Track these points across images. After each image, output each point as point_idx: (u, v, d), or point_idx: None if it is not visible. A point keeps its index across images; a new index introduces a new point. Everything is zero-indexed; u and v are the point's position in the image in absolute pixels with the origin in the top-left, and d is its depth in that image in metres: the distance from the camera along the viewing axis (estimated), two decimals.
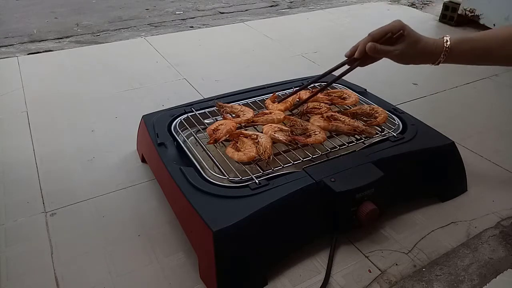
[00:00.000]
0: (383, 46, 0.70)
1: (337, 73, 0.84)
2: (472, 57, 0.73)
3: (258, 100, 1.02)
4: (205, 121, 0.95)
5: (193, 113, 0.97)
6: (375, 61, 0.77)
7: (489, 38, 0.72)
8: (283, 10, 2.48)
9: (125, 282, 0.73)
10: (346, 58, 0.78)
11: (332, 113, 0.92)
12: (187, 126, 0.93)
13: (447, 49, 0.70)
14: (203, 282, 0.72)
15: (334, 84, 1.10)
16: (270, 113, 0.92)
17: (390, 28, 0.70)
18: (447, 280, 0.73)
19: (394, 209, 0.86)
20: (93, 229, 0.84)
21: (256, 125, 0.91)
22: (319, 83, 1.03)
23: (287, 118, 0.91)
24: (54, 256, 0.78)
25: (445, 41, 0.70)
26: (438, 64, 0.73)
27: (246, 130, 0.89)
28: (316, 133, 0.85)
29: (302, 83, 1.10)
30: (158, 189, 0.93)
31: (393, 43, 0.70)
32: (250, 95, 1.04)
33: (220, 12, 2.45)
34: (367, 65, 0.77)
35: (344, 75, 0.81)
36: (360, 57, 0.73)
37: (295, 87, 1.03)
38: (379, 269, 0.75)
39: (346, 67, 0.80)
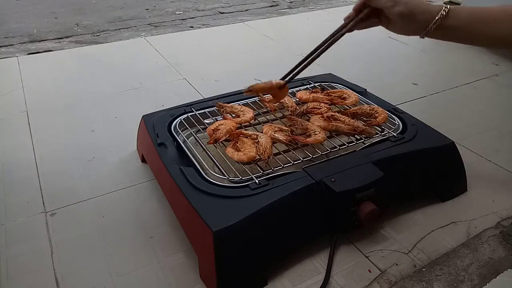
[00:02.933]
0: None
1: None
2: (470, 28, 0.64)
3: (258, 100, 1.01)
4: (205, 121, 0.95)
5: (193, 113, 0.97)
6: (369, 26, 0.72)
7: (494, 10, 0.64)
8: (283, 10, 2.48)
9: (125, 282, 0.73)
10: (344, 22, 0.74)
11: (332, 113, 0.92)
12: (187, 126, 0.93)
13: (445, 8, 0.63)
14: (203, 282, 0.72)
15: (334, 84, 1.10)
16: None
17: None
18: (447, 280, 0.73)
19: (394, 209, 0.86)
20: (93, 229, 0.84)
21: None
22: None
23: (288, 118, 0.91)
24: (54, 256, 0.78)
25: (444, 3, 0.66)
26: (430, 29, 0.65)
27: (246, 130, 0.89)
28: (316, 133, 0.85)
29: (302, 83, 1.10)
30: (158, 189, 0.93)
31: None
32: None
33: (220, 12, 2.45)
34: (361, 28, 0.73)
35: (340, 37, 0.76)
36: (355, 13, 0.69)
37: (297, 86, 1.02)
38: (379, 269, 0.75)
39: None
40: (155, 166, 0.92)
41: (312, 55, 0.80)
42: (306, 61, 0.81)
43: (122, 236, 0.82)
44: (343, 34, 0.75)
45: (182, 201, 0.73)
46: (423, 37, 0.67)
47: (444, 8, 0.64)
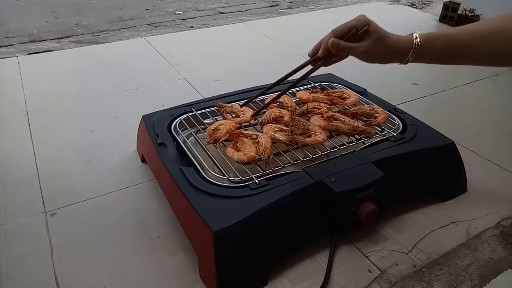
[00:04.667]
0: (346, 43, 0.64)
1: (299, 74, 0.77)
2: (445, 54, 0.65)
3: (258, 100, 1.01)
4: (205, 121, 0.95)
5: (193, 113, 0.97)
6: (340, 60, 0.71)
7: (466, 33, 0.64)
8: (283, 10, 2.48)
9: (125, 282, 0.73)
10: (309, 58, 0.72)
11: (332, 113, 0.92)
12: (187, 126, 0.93)
13: (416, 46, 0.63)
14: (203, 282, 0.72)
15: (334, 84, 1.10)
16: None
17: (354, 23, 0.64)
18: (447, 280, 0.73)
19: (394, 209, 0.86)
20: (93, 229, 0.84)
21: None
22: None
23: (291, 118, 0.91)
24: (54, 256, 0.78)
25: (414, 37, 0.64)
26: (406, 63, 0.66)
27: (246, 130, 0.89)
28: (316, 133, 0.85)
29: (302, 83, 1.10)
30: (158, 189, 0.93)
31: (358, 39, 0.64)
32: (250, 95, 1.04)
33: (220, 12, 2.45)
34: (331, 64, 0.72)
35: (307, 76, 0.74)
36: (323, 55, 0.67)
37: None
38: (379, 269, 0.75)
39: (309, 67, 0.73)
40: (155, 166, 0.92)
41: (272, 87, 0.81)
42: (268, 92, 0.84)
43: (122, 236, 0.82)
44: (310, 73, 0.74)
45: (182, 201, 0.73)
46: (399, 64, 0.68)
47: (414, 45, 0.63)
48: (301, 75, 0.73)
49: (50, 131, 1.17)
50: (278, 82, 0.80)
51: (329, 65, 0.72)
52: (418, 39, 0.64)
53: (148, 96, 1.36)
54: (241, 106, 0.93)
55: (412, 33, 0.65)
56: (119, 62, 1.62)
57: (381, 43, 0.64)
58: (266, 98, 0.98)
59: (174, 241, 0.81)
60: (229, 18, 2.32)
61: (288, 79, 0.76)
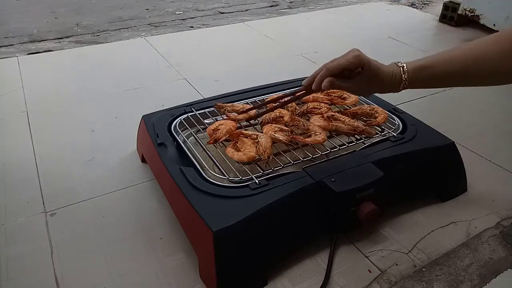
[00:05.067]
0: (340, 83, 0.65)
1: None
2: (435, 83, 0.67)
3: (258, 100, 1.01)
4: (205, 121, 0.95)
5: (193, 113, 0.97)
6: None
7: (452, 61, 0.64)
8: (283, 10, 2.48)
9: (125, 282, 0.73)
10: (303, 86, 0.71)
11: (332, 113, 0.92)
12: (187, 126, 0.93)
13: (405, 80, 0.65)
14: (203, 282, 0.72)
15: None
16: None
17: (348, 64, 0.64)
18: (447, 280, 0.73)
19: (394, 209, 0.86)
20: (93, 229, 0.84)
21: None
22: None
23: (291, 118, 0.91)
24: (54, 256, 0.78)
25: (402, 72, 0.65)
26: (399, 91, 0.68)
27: (246, 130, 0.89)
28: (316, 133, 0.85)
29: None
30: (158, 189, 0.93)
31: (350, 76, 0.65)
32: (250, 95, 1.04)
33: (220, 12, 2.45)
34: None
35: (301, 98, 0.79)
36: (317, 90, 0.68)
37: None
38: (379, 269, 0.75)
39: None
40: (155, 166, 0.92)
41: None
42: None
43: (122, 236, 0.82)
44: (302, 97, 0.77)
45: (182, 201, 0.73)
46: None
47: (402, 83, 0.65)
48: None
49: (50, 131, 1.17)
50: (271, 101, 0.84)
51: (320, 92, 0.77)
52: (406, 74, 0.65)
53: (148, 96, 1.36)
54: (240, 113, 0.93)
55: (399, 64, 0.66)
56: (119, 62, 1.62)
57: (372, 81, 0.66)
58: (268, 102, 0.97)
59: (174, 241, 0.81)
60: (229, 18, 2.32)
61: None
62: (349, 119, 0.90)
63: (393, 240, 0.81)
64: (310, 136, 0.85)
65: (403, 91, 0.67)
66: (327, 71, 0.65)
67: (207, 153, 0.85)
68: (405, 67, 0.65)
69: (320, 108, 0.95)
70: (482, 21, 1.94)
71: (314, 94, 1.02)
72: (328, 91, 1.04)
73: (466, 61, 0.63)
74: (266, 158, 0.77)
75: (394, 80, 0.65)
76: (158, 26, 2.20)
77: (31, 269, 0.75)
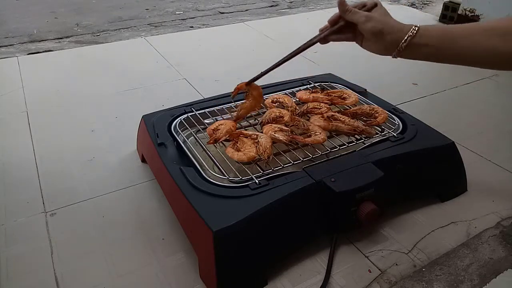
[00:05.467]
0: (353, 8, 0.67)
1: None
2: (441, 47, 0.64)
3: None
4: (205, 121, 0.95)
5: (193, 113, 0.97)
6: (342, 39, 0.72)
7: (464, 29, 0.64)
8: (283, 10, 2.48)
9: (125, 282, 0.73)
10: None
11: (332, 113, 0.92)
12: (187, 126, 0.93)
13: (415, 27, 0.64)
14: (203, 282, 0.72)
15: (334, 84, 1.10)
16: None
17: (365, 1, 0.68)
18: (447, 280, 0.73)
19: (394, 209, 0.86)
20: (93, 229, 0.84)
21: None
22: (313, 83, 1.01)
23: (291, 118, 0.91)
24: (54, 256, 0.78)
25: (414, 25, 0.65)
26: (400, 48, 0.65)
27: (246, 130, 0.89)
28: (316, 133, 0.85)
29: (302, 83, 1.10)
30: (158, 189, 0.93)
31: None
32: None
33: (220, 12, 2.45)
34: (332, 40, 0.73)
35: (312, 44, 0.77)
36: (331, 23, 0.71)
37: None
38: (379, 269, 0.75)
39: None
40: (155, 166, 0.92)
41: (281, 60, 0.82)
42: (273, 66, 0.85)
43: (122, 236, 0.82)
44: (314, 43, 0.76)
45: (182, 201, 0.73)
46: (395, 57, 0.68)
47: (414, 27, 0.65)
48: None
49: (50, 131, 1.17)
50: (292, 56, 0.83)
51: (329, 39, 0.73)
52: (418, 25, 0.65)
53: (148, 96, 1.36)
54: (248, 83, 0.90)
55: (413, 25, 0.66)
56: (119, 62, 1.62)
57: (384, 17, 0.66)
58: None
59: (174, 241, 0.81)
60: (229, 18, 2.32)
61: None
62: (349, 119, 0.90)
63: (393, 240, 0.81)
64: (310, 136, 0.85)
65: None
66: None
67: (207, 153, 0.85)
68: (417, 27, 0.65)
69: (320, 108, 0.95)
70: (482, 21, 1.94)
71: (314, 94, 1.02)
72: (328, 91, 1.04)
73: (472, 28, 0.63)
74: (266, 158, 0.77)
75: (404, 27, 0.65)
76: (158, 26, 2.20)
77: (31, 269, 0.75)
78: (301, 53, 0.78)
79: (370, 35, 0.67)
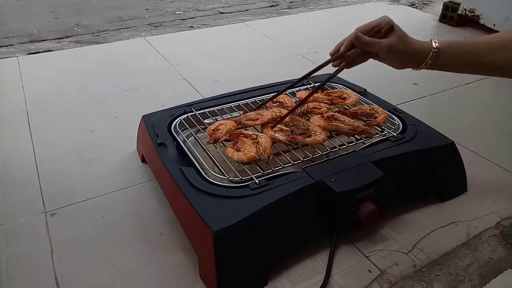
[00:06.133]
0: (371, 38, 0.66)
1: (322, 73, 0.79)
2: (461, 62, 0.68)
3: (258, 100, 1.01)
4: (205, 121, 0.95)
5: (193, 113, 0.97)
6: (362, 62, 0.72)
7: (482, 43, 0.67)
8: (283, 10, 2.48)
9: (125, 282, 0.73)
10: (330, 57, 0.73)
11: (332, 113, 0.92)
12: (187, 126, 0.93)
13: (435, 49, 0.66)
14: (203, 282, 0.72)
15: (334, 84, 1.10)
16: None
17: (378, 22, 0.67)
18: (447, 280, 0.73)
19: (394, 209, 0.86)
20: (93, 229, 0.84)
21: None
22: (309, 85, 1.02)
23: (292, 118, 0.91)
24: (54, 256, 0.78)
25: (433, 43, 0.67)
26: (423, 68, 0.68)
27: (246, 130, 0.89)
28: (316, 133, 0.85)
29: (302, 83, 1.10)
30: (158, 189, 0.93)
31: (381, 37, 0.67)
32: (250, 95, 1.04)
33: (220, 12, 2.45)
34: (353, 65, 0.73)
35: (333, 77, 0.75)
36: (345, 51, 0.69)
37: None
38: (379, 269, 0.75)
39: (332, 68, 0.74)
40: (155, 166, 0.92)
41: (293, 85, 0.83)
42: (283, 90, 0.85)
43: (122, 236, 0.82)
44: (333, 77, 0.75)
45: (182, 201, 0.73)
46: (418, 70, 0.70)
47: (433, 49, 0.66)
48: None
49: (50, 131, 1.17)
50: (302, 79, 0.83)
51: (351, 66, 0.72)
52: (437, 44, 0.66)
53: (148, 96, 1.36)
54: (258, 107, 0.94)
55: (431, 39, 0.67)
56: (119, 62, 1.62)
57: (404, 41, 0.66)
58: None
59: (174, 241, 0.81)
60: (229, 18, 2.32)
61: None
62: (349, 119, 0.90)
63: (393, 240, 0.81)
64: (310, 136, 0.85)
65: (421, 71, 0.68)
66: (357, 30, 0.67)
67: (207, 153, 0.85)
68: (435, 40, 0.67)
69: (320, 108, 0.95)
70: (482, 21, 1.94)
71: (314, 94, 1.02)
72: (328, 91, 1.04)
73: (492, 43, 0.66)
74: (266, 158, 0.77)
75: (424, 48, 0.66)
76: (158, 26, 2.20)
77: (31, 269, 0.75)
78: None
79: (391, 62, 0.68)
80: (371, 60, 0.72)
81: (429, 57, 0.66)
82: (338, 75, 1.16)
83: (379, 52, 0.67)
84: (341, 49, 0.70)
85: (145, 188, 0.95)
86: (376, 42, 0.66)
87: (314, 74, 0.79)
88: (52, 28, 2.14)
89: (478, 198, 0.92)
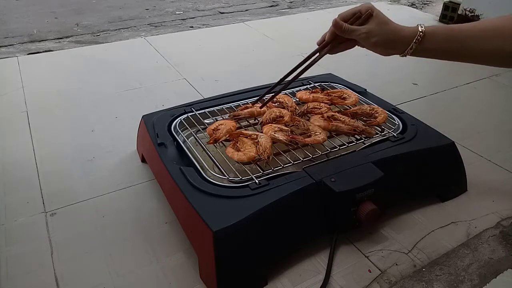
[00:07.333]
0: (349, 25, 0.66)
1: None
2: (447, 48, 0.65)
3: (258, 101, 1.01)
4: (205, 121, 0.95)
5: (193, 113, 0.97)
6: (346, 49, 0.72)
7: (468, 27, 0.65)
8: (283, 10, 2.48)
9: (125, 282, 0.73)
10: (318, 47, 0.73)
11: (332, 113, 0.92)
12: (187, 126, 0.93)
13: (421, 33, 0.63)
14: (203, 282, 0.72)
15: (334, 84, 1.10)
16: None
17: (358, 9, 0.66)
18: (447, 280, 0.73)
19: (394, 209, 0.86)
20: (93, 229, 0.84)
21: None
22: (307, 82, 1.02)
23: (292, 118, 0.91)
24: (54, 256, 0.78)
25: (419, 27, 0.64)
26: (407, 53, 0.66)
27: (246, 130, 0.89)
28: (316, 133, 0.85)
29: (302, 83, 1.10)
30: (158, 189, 0.93)
31: (362, 24, 0.66)
32: (250, 95, 1.04)
33: (220, 12, 2.45)
34: (337, 52, 0.72)
35: (314, 63, 0.75)
36: (330, 39, 0.69)
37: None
38: (379, 269, 0.75)
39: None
40: (155, 166, 0.92)
41: (284, 79, 0.81)
42: (279, 86, 0.83)
43: (122, 236, 0.82)
44: (316, 61, 0.75)
45: (182, 201, 0.73)
46: (402, 56, 0.68)
47: (419, 33, 0.64)
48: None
49: (50, 131, 1.17)
50: (287, 75, 0.82)
51: (334, 52, 0.72)
52: (423, 27, 0.64)
53: (148, 96, 1.36)
54: (253, 104, 0.94)
55: (417, 24, 0.65)
56: (119, 62, 1.62)
57: (384, 26, 0.65)
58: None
59: (174, 241, 0.81)
60: (229, 18, 2.32)
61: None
62: (349, 119, 0.90)
63: (393, 240, 0.81)
64: (310, 136, 0.85)
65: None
66: (337, 17, 0.66)
67: (207, 153, 0.85)
68: (421, 24, 0.65)
69: (320, 108, 0.95)
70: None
71: (314, 94, 1.02)
72: (328, 91, 1.04)
73: (478, 28, 0.64)
74: (266, 158, 0.77)
75: (408, 33, 0.64)
76: (158, 26, 2.20)
77: (31, 269, 0.75)
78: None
79: (373, 49, 0.67)
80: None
81: (413, 41, 0.64)
82: (338, 75, 1.17)
83: (357, 38, 0.66)
84: (326, 38, 0.70)
85: (145, 188, 0.95)
86: (355, 29, 0.65)
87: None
88: (52, 28, 2.14)
89: (478, 198, 0.92)
